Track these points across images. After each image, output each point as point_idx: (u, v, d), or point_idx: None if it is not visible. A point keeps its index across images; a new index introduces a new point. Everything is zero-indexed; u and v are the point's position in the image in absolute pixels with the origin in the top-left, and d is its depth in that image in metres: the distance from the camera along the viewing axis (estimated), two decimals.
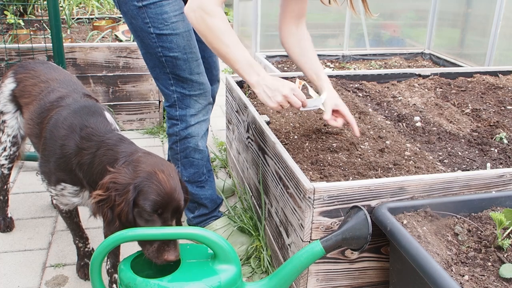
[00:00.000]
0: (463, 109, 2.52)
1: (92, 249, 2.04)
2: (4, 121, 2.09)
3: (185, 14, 1.75)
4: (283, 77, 2.19)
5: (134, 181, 1.42)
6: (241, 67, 1.73)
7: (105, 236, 1.69)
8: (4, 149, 2.14)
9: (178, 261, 1.40)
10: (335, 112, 2.00)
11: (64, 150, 1.64)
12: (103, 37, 3.88)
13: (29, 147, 2.91)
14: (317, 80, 2.05)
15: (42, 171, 1.76)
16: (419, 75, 2.95)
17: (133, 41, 3.67)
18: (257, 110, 2.32)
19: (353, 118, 2.02)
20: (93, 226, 2.36)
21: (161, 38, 1.91)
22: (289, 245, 1.77)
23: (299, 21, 2.06)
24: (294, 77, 2.80)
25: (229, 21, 5.71)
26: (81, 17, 4.60)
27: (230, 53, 1.72)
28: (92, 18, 4.56)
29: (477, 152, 2.06)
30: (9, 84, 2.04)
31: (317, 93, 2.06)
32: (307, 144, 2.05)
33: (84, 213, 2.45)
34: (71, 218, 1.88)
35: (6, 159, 2.17)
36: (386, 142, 2.09)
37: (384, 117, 2.38)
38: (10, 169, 2.22)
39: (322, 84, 2.03)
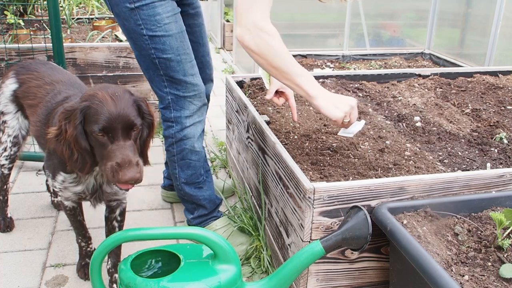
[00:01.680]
0: (463, 109, 2.52)
1: (94, 249, 2.04)
2: (4, 122, 2.09)
3: (237, 39, 1.70)
4: None
5: (79, 106, 1.47)
6: (304, 80, 1.72)
7: (70, 170, 1.63)
8: (5, 149, 2.14)
9: (178, 261, 1.40)
10: (281, 93, 2.05)
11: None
12: (103, 37, 3.88)
13: (28, 147, 2.91)
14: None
15: (46, 166, 1.79)
16: (419, 75, 2.95)
17: (128, 42, 3.67)
18: (257, 110, 2.32)
19: (294, 103, 2.08)
20: (93, 226, 2.36)
21: (154, 39, 1.91)
22: (289, 245, 1.77)
23: None
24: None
25: (229, 21, 5.73)
26: (81, 17, 4.60)
27: (292, 69, 1.71)
28: (92, 18, 4.56)
29: (477, 152, 2.06)
30: (11, 84, 2.03)
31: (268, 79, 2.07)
32: (307, 144, 2.05)
33: (87, 213, 2.45)
34: (75, 215, 1.88)
35: (6, 159, 2.17)
36: (386, 142, 2.09)
37: (384, 117, 2.38)
38: (10, 169, 2.22)
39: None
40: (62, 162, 1.64)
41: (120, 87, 1.54)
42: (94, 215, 2.49)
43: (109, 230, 1.94)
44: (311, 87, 1.73)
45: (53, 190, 1.81)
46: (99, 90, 1.50)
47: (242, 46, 1.71)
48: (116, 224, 1.93)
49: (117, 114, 1.45)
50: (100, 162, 1.52)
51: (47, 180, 2.44)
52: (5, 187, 2.28)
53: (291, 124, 2.24)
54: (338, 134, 1.96)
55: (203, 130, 2.16)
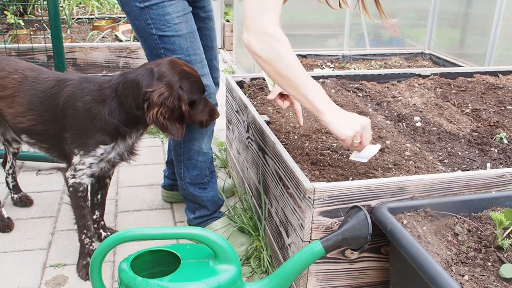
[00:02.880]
0: (463, 109, 2.52)
1: (95, 248, 2.04)
2: None
3: (244, 43, 1.61)
4: None
5: (176, 84, 1.72)
6: (313, 93, 1.60)
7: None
8: None
9: (178, 261, 1.40)
10: (286, 96, 2.00)
11: (93, 110, 1.80)
12: (103, 37, 3.88)
13: (28, 147, 2.91)
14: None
15: (77, 145, 1.85)
16: (419, 75, 2.95)
17: (133, 41, 3.67)
18: (257, 110, 2.32)
19: (300, 107, 2.01)
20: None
21: (164, 39, 1.90)
22: (289, 245, 1.77)
23: None
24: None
25: (229, 21, 5.73)
26: (81, 17, 4.60)
27: (301, 80, 1.59)
28: (92, 18, 4.56)
29: (477, 152, 2.06)
30: None
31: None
32: (307, 144, 2.05)
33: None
34: (85, 199, 1.95)
35: None
36: (386, 142, 2.09)
37: (384, 117, 2.38)
38: None
39: None
40: (105, 135, 1.81)
41: (174, 59, 1.82)
42: None
43: (99, 188, 2.14)
44: (320, 101, 1.60)
45: (69, 174, 1.89)
46: (180, 66, 1.77)
47: (249, 52, 1.62)
48: (108, 181, 2.15)
49: (200, 78, 1.83)
50: (194, 116, 1.83)
51: (6, 177, 2.47)
52: None
53: (291, 124, 2.24)
54: (350, 158, 1.80)
55: (212, 132, 2.15)
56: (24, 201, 2.52)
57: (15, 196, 2.52)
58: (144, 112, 1.73)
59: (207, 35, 2.22)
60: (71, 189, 1.91)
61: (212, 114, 1.89)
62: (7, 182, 2.51)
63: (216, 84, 2.34)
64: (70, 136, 1.85)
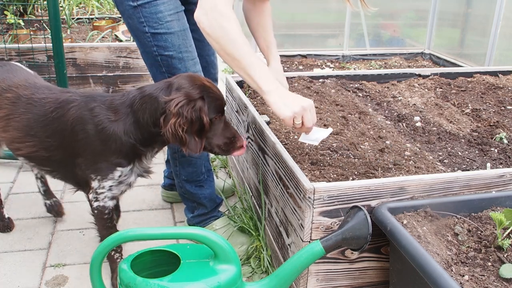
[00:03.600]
0: (463, 109, 2.52)
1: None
2: None
3: (195, 19, 1.67)
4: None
5: (197, 96, 1.59)
6: (257, 73, 1.62)
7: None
8: None
9: (178, 261, 1.40)
10: None
11: (106, 131, 1.68)
12: (103, 37, 3.88)
13: None
14: (267, 51, 2.07)
15: (92, 171, 1.73)
16: (419, 75, 2.95)
17: (133, 41, 3.67)
18: (257, 110, 2.32)
19: None
20: (93, 226, 2.36)
21: (156, 37, 1.92)
22: (289, 245, 1.77)
23: None
24: (294, 77, 2.80)
25: None
26: (81, 17, 4.60)
27: (246, 58, 1.62)
28: (92, 18, 4.56)
29: (477, 152, 2.06)
30: None
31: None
32: (307, 144, 2.05)
33: (86, 213, 2.43)
34: (112, 220, 1.86)
35: None
36: (386, 142, 2.09)
37: (384, 117, 2.38)
38: None
39: (269, 56, 2.05)
40: (121, 157, 1.70)
41: (195, 74, 1.73)
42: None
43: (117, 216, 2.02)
44: (265, 81, 1.62)
45: (92, 197, 1.78)
46: (201, 80, 1.65)
47: (200, 28, 1.65)
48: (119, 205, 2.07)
49: (223, 99, 1.69)
50: (211, 139, 1.68)
51: (36, 181, 2.35)
52: None
53: None
54: (298, 140, 1.82)
55: None
56: (55, 211, 2.38)
57: (47, 202, 2.38)
58: (160, 127, 1.61)
59: None
60: (96, 211, 1.81)
61: (234, 140, 1.70)
62: (38, 187, 2.37)
63: (215, 80, 2.35)
64: (84, 161, 1.73)
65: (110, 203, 1.82)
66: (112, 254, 1.90)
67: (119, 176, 1.75)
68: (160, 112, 1.62)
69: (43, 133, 1.77)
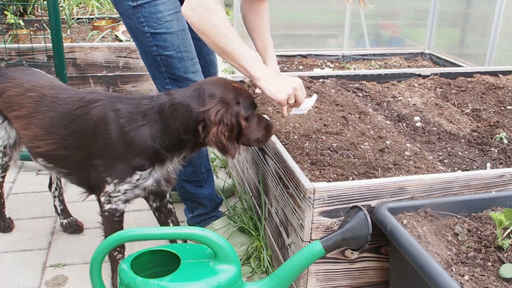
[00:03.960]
0: (463, 109, 2.52)
1: None
2: None
3: (182, 14, 1.71)
4: None
5: (233, 101, 1.62)
6: (247, 62, 1.70)
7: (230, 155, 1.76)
8: None
9: (178, 261, 1.40)
10: None
11: (131, 135, 1.66)
12: (103, 37, 3.88)
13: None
14: (264, 52, 2.08)
15: (110, 173, 1.70)
16: (419, 75, 2.95)
17: (133, 41, 3.67)
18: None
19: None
20: (93, 226, 2.36)
21: (156, 37, 1.93)
22: (289, 245, 1.77)
23: None
24: (294, 77, 2.80)
25: (230, 22, 5.73)
26: (81, 17, 4.60)
27: (236, 49, 1.69)
28: (92, 18, 4.56)
29: (477, 152, 2.06)
30: None
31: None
32: (307, 144, 2.05)
33: (86, 214, 2.45)
34: (121, 224, 1.83)
35: None
36: (386, 142, 2.09)
37: (384, 117, 2.38)
38: (3, 177, 2.19)
39: (266, 56, 2.07)
40: (143, 161, 1.67)
41: (220, 77, 1.76)
42: (94, 216, 2.49)
43: (166, 216, 1.95)
44: (255, 69, 1.71)
45: (104, 199, 1.76)
46: (229, 83, 1.68)
47: (189, 23, 1.71)
48: (170, 206, 1.95)
49: (252, 95, 1.75)
50: (249, 135, 1.71)
51: (54, 200, 2.31)
52: (0, 191, 2.25)
53: (291, 124, 2.24)
54: (291, 113, 1.95)
55: None
56: (74, 227, 2.33)
57: (64, 221, 2.33)
58: (198, 135, 1.62)
59: None
60: (106, 213, 1.78)
61: (268, 129, 1.77)
62: (55, 206, 2.32)
63: None
64: (103, 162, 1.70)
65: (123, 206, 1.79)
66: (115, 254, 1.88)
67: (137, 180, 1.71)
68: (194, 121, 1.62)
69: (64, 130, 1.75)
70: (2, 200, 2.29)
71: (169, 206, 1.95)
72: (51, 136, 1.77)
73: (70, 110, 1.74)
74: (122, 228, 1.85)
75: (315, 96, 1.89)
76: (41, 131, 1.79)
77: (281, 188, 1.83)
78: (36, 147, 1.83)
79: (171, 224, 1.97)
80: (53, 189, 2.29)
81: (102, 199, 1.76)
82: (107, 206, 1.76)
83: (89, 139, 1.70)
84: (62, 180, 2.27)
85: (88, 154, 1.73)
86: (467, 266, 1.37)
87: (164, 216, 1.96)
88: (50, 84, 1.86)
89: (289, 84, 1.73)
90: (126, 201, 1.78)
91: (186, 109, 1.63)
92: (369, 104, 2.54)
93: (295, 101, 1.76)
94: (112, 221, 1.80)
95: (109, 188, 1.72)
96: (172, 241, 1.95)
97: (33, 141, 1.83)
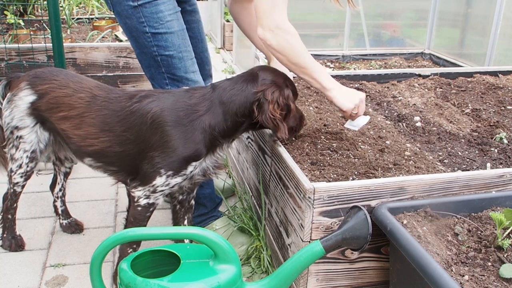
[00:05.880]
0: (463, 109, 2.52)
1: None
2: (20, 137, 1.94)
3: (259, 37, 1.81)
4: None
5: (284, 85, 1.79)
6: (320, 75, 1.86)
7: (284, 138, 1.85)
8: (20, 166, 1.99)
9: (178, 261, 1.40)
10: None
11: (191, 125, 1.71)
12: (103, 37, 3.88)
13: None
14: (266, 50, 2.12)
15: (165, 165, 1.71)
16: (419, 75, 2.95)
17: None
18: None
19: None
20: (93, 226, 2.37)
21: (157, 37, 1.93)
22: (289, 245, 1.77)
23: None
24: (294, 77, 2.80)
25: (229, 21, 5.73)
26: (81, 17, 4.60)
27: (309, 65, 1.84)
28: (92, 18, 4.56)
29: (477, 152, 2.06)
30: (27, 97, 1.89)
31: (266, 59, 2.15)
32: (307, 144, 2.05)
33: (86, 214, 2.44)
34: (148, 219, 1.82)
35: (21, 176, 2.02)
36: (386, 142, 2.09)
37: (384, 117, 2.38)
38: (23, 187, 2.08)
39: (269, 52, 2.11)
40: (200, 150, 1.72)
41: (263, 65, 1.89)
42: (94, 216, 2.49)
43: (185, 212, 1.99)
44: (326, 80, 1.87)
45: (142, 193, 1.75)
46: (276, 70, 1.84)
47: (265, 45, 1.85)
48: (193, 203, 2.00)
49: (294, 84, 1.89)
50: (288, 122, 1.83)
51: (55, 201, 2.31)
52: (15, 205, 2.13)
53: None
54: (344, 126, 2.06)
55: None
56: (74, 227, 2.32)
57: (64, 221, 2.32)
58: (252, 116, 1.73)
59: (195, 27, 2.26)
60: (139, 208, 1.77)
61: (302, 120, 1.93)
62: (55, 207, 2.32)
63: (209, 76, 2.40)
64: (159, 154, 1.70)
65: (161, 200, 1.80)
66: (129, 251, 1.85)
67: (191, 171, 1.75)
68: (250, 102, 1.73)
69: (119, 127, 1.76)
70: (14, 215, 2.17)
71: (192, 202, 2.00)
72: (105, 134, 1.79)
73: (124, 107, 1.77)
74: (146, 225, 1.85)
75: (368, 117, 2.00)
76: (94, 129, 1.80)
77: (281, 188, 1.83)
78: (89, 145, 1.82)
79: (186, 220, 2.02)
80: (56, 190, 2.28)
81: (139, 193, 1.75)
82: (143, 201, 1.77)
83: (146, 133, 1.72)
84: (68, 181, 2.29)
85: (144, 147, 1.74)
86: (467, 266, 1.37)
87: (184, 211, 1.99)
88: (99, 86, 1.88)
89: (356, 96, 1.88)
90: (166, 195, 1.82)
91: (244, 91, 1.75)
92: (369, 104, 2.54)
93: (356, 112, 1.90)
94: (144, 216, 1.79)
95: (159, 180, 1.72)
96: (177, 241, 1.95)
97: (85, 140, 1.82)
